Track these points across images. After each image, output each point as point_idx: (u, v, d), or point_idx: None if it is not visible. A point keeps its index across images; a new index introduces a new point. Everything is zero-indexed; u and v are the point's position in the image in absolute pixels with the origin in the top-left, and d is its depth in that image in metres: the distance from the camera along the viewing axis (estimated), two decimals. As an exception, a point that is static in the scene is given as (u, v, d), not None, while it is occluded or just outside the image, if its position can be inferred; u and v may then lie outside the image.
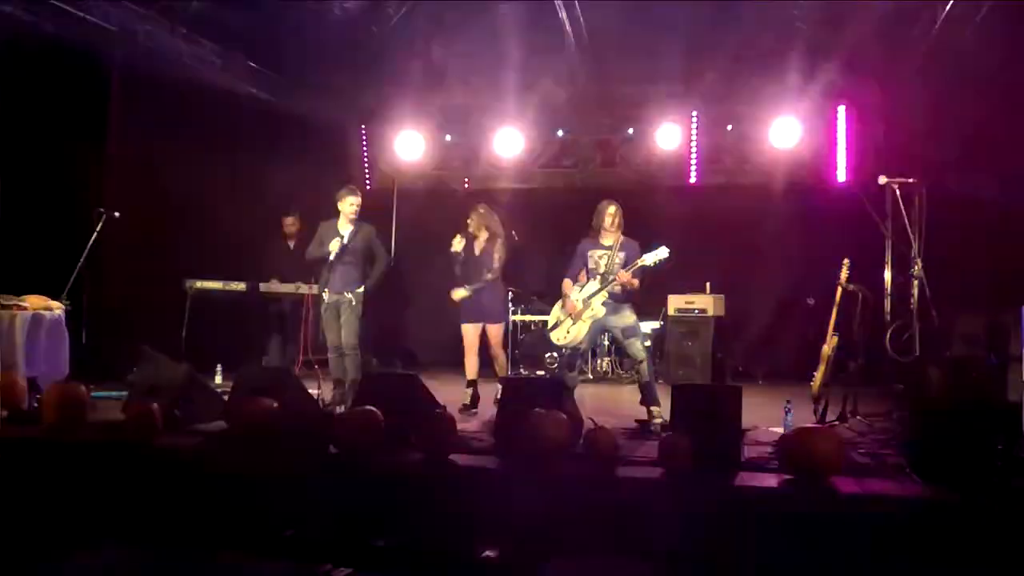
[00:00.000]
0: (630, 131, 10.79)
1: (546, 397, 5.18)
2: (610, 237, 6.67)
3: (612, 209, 6.67)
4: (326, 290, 7.17)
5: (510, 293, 7.54)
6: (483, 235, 7.35)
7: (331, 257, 7.09)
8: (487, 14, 8.73)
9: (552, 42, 9.12)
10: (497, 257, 7.30)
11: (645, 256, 6.42)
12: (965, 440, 4.32)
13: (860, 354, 6.51)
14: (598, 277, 6.59)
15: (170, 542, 4.27)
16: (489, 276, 7.26)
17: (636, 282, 6.45)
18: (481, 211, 7.42)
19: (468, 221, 7.39)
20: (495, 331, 7.36)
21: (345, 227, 7.20)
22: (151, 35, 8.12)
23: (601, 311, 6.54)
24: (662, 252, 6.40)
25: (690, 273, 9.73)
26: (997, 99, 7.59)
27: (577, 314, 6.59)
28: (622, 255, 6.56)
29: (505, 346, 7.67)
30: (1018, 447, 4.56)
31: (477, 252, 7.34)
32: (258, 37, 9.06)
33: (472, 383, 7.31)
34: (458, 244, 7.36)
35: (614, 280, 6.43)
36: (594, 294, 6.54)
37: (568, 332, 6.68)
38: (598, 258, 6.64)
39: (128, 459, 4.83)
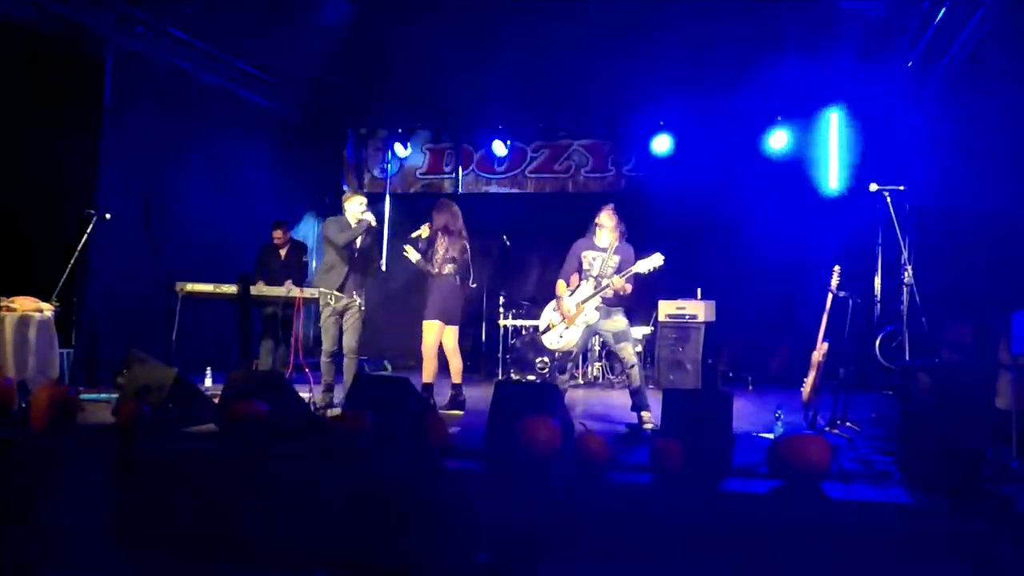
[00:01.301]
0: (622, 135, 10.82)
1: (537, 401, 5.18)
2: (605, 239, 6.68)
3: (608, 212, 6.70)
4: (334, 293, 7.06)
5: (465, 298, 7.48)
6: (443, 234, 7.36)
7: (371, 225, 7.08)
8: (479, 20, 8.75)
9: (543, 47, 9.14)
10: (441, 253, 7.26)
11: (639, 263, 6.42)
12: (954, 446, 4.34)
13: (850, 360, 6.53)
14: (591, 280, 6.60)
15: (160, 546, 4.25)
16: (426, 264, 7.27)
17: (629, 287, 6.45)
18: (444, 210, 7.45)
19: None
20: (450, 333, 7.32)
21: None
22: (144, 36, 8.12)
23: (594, 316, 6.54)
24: (656, 259, 6.41)
25: (681, 279, 9.76)
26: (987, 107, 7.64)
27: (571, 318, 6.60)
28: (616, 258, 6.58)
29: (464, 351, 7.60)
30: (1006, 453, 4.59)
31: (437, 246, 7.31)
32: (251, 41, 9.06)
33: (428, 387, 7.16)
34: (424, 232, 7.32)
35: (608, 285, 6.44)
36: (587, 299, 6.55)
37: (561, 336, 6.69)
38: (592, 259, 6.65)
39: (118, 462, 4.81)
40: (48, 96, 7.74)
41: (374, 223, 7.14)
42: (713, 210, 10.43)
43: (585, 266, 6.68)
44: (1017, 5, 6.64)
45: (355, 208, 7.15)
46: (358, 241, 7.15)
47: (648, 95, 10.28)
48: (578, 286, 6.71)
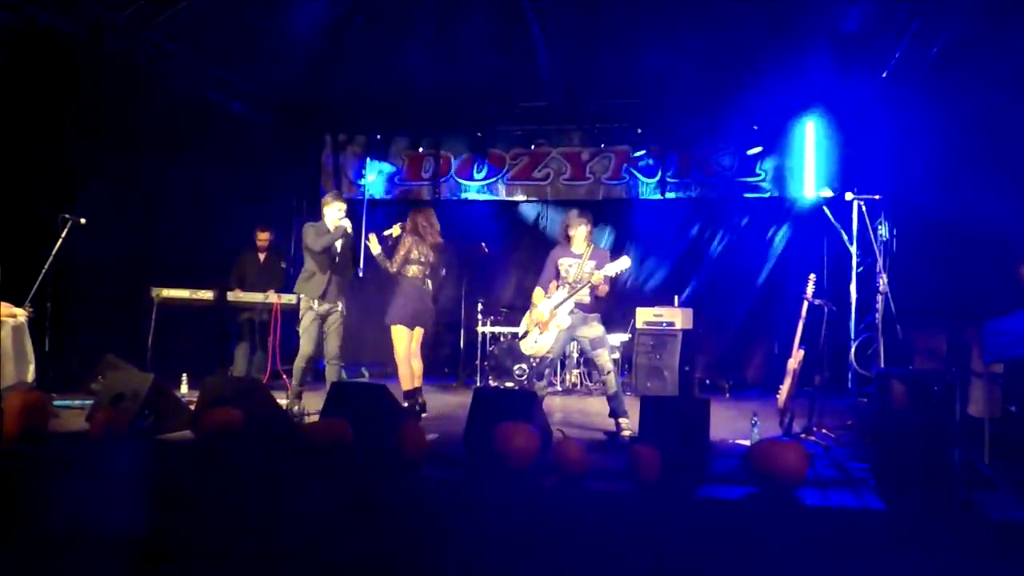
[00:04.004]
0: (601, 144, 10.86)
1: (515, 408, 5.19)
2: (580, 246, 6.73)
3: (580, 219, 6.77)
4: (317, 299, 6.99)
5: (434, 301, 7.41)
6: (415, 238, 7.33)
7: (346, 231, 7.03)
8: (459, 26, 8.76)
9: (523, 55, 9.17)
10: (402, 253, 7.21)
11: (607, 266, 6.47)
12: (927, 453, 4.38)
13: (825, 368, 6.58)
14: (566, 286, 6.65)
15: (134, 552, 4.21)
16: (384, 260, 7.22)
17: (607, 287, 6.51)
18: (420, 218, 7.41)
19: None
20: (417, 336, 7.26)
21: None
22: (120, 41, 8.06)
23: (567, 321, 6.57)
24: (623, 263, 6.48)
25: (659, 286, 9.81)
26: (962, 117, 7.74)
27: (543, 324, 6.64)
28: (592, 263, 6.63)
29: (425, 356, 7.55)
30: (979, 460, 4.64)
31: (399, 247, 7.29)
32: (228, 47, 9.02)
33: (409, 394, 7.13)
34: (395, 231, 7.29)
35: (580, 289, 6.50)
36: (561, 303, 6.58)
37: (536, 342, 6.72)
38: (568, 266, 6.70)
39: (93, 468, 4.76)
40: (23, 100, 7.66)
41: (349, 230, 7.09)
42: (690, 218, 10.49)
43: (562, 273, 6.74)
44: (990, 17, 6.74)
45: (334, 214, 7.08)
46: (337, 246, 7.11)
47: (626, 104, 10.33)
48: (555, 293, 6.75)
